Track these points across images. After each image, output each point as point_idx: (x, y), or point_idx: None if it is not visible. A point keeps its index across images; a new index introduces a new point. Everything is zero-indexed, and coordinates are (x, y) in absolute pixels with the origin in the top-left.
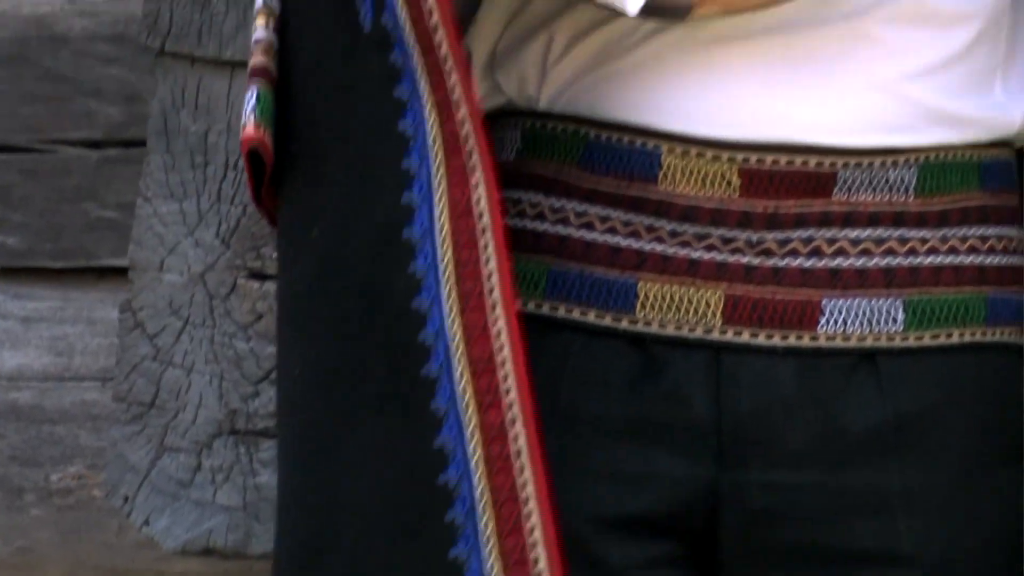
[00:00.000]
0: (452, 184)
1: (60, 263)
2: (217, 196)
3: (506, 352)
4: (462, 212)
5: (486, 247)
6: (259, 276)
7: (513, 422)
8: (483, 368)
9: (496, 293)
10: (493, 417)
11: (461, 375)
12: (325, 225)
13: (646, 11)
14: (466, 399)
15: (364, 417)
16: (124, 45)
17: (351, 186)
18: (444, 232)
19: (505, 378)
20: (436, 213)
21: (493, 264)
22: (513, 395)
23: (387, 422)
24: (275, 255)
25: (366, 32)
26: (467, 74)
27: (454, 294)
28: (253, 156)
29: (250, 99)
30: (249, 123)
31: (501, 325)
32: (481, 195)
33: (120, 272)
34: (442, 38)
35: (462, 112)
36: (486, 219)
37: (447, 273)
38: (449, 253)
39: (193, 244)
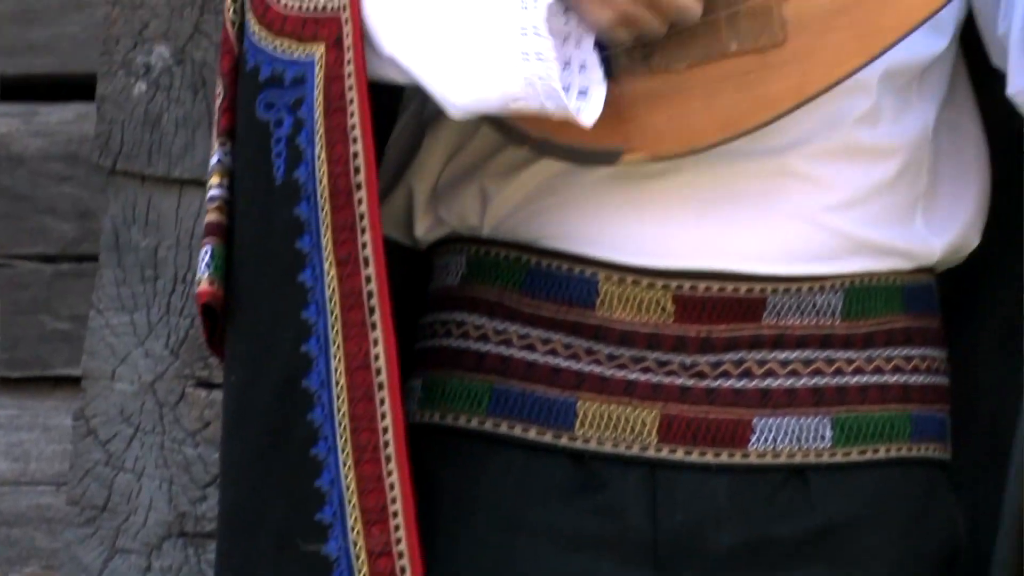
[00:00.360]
0: (349, 338)
1: (16, 373)
2: (166, 308)
3: (399, 504)
4: (359, 366)
5: (383, 402)
6: (207, 385)
7: (403, 571)
8: (376, 518)
9: (392, 447)
10: (383, 566)
11: (354, 524)
12: (240, 371)
13: (578, 158)
14: (358, 547)
15: (264, 558)
16: (77, 164)
17: (261, 334)
18: (341, 385)
19: (397, 528)
20: (332, 365)
21: (389, 419)
22: (404, 545)
23: (284, 565)
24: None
25: (277, 184)
26: (379, 233)
27: (349, 446)
28: (207, 308)
29: (204, 256)
30: (204, 280)
31: (395, 478)
32: (380, 351)
33: (74, 381)
34: (363, 196)
35: (369, 269)
36: (384, 375)
37: (343, 425)
38: (345, 406)
39: (143, 354)
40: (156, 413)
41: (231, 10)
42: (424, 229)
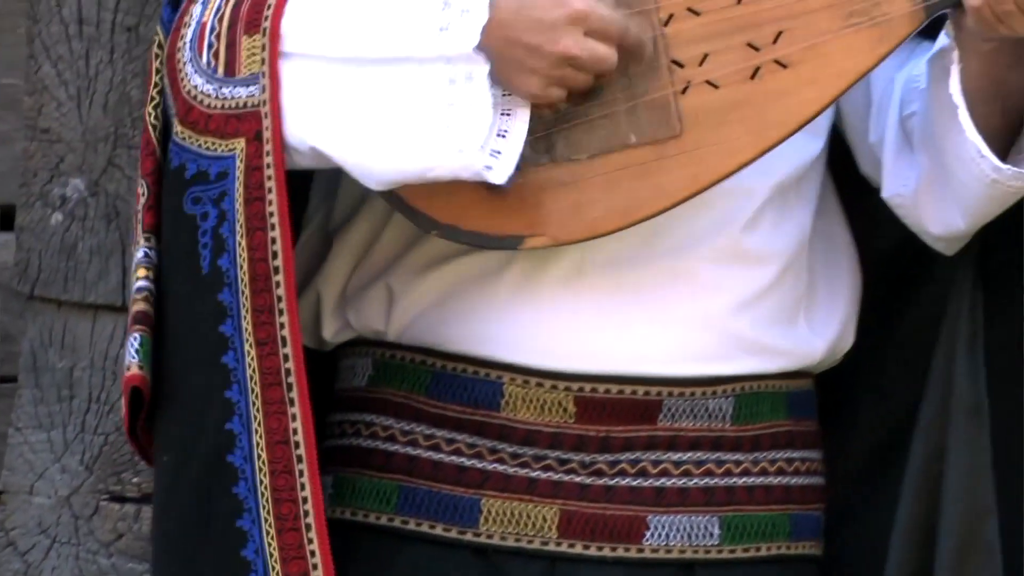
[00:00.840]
0: (269, 415)
1: None
2: (82, 426)
3: (320, 571)
4: (279, 441)
5: (302, 474)
6: (120, 499)
7: None
8: None
9: (311, 517)
10: None
11: None
12: (170, 452)
13: (484, 243)
14: None
15: None
16: None
17: (189, 416)
18: (262, 459)
19: None
20: (254, 441)
21: (308, 490)
22: None
23: None
24: (134, 479)
25: (204, 274)
26: (296, 317)
27: (272, 517)
28: (134, 394)
29: (132, 344)
30: (132, 366)
31: (316, 546)
32: (298, 426)
33: None
34: (280, 280)
35: (287, 349)
36: (302, 448)
37: (265, 497)
38: (267, 479)
39: (60, 470)
40: (72, 525)
41: (152, 115)
42: (332, 332)
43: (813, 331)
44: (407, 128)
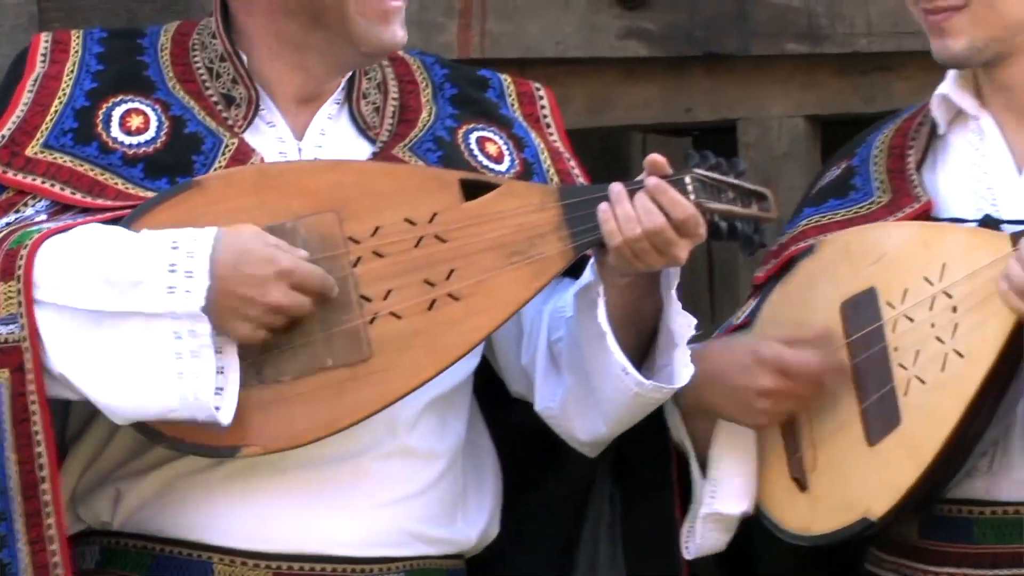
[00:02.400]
0: None
1: None
2: None
3: None
4: None
5: None
6: None
7: None
8: None
9: None
10: None
11: None
12: None
13: (205, 453)
14: None
15: None
16: None
17: None
18: None
19: None
20: None
21: None
22: None
23: None
24: None
25: None
26: (62, 518)
27: None
28: None
29: None
30: None
31: None
32: None
33: None
34: (47, 488)
35: (54, 546)
36: None
37: None
38: None
39: None
40: None
41: None
42: (67, 524)
43: (468, 524)
44: (142, 375)
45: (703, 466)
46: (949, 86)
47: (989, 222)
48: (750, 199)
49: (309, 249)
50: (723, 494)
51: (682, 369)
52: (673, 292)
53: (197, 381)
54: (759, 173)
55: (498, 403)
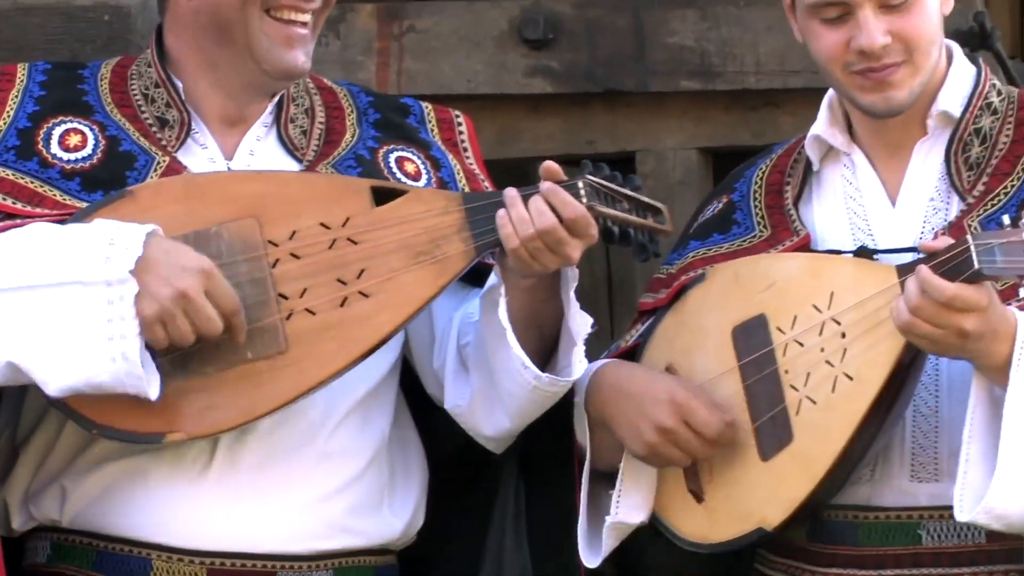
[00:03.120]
0: None
1: None
2: None
3: None
4: None
5: None
6: None
7: None
8: None
9: None
10: None
11: None
12: None
13: (133, 439)
14: None
15: None
16: None
17: None
18: None
19: None
20: None
21: None
22: None
23: None
24: None
25: None
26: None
27: None
28: None
29: None
30: None
31: None
32: None
33: None
34: None
35: None
36: None
37: None
38: None
39: None
40: None
41: None
42: (19, 524)
43: (395, 515)
44: (76, 341)
45: (603, 474)
46: (821, 127)
47: (863, 252)
48: (646, 212)
49: (232, 251)
50: (626, 505)
51: (577, 364)
52: (572, 294)
53: (125, 342)
54: (656, 200)
55: (433, 410)
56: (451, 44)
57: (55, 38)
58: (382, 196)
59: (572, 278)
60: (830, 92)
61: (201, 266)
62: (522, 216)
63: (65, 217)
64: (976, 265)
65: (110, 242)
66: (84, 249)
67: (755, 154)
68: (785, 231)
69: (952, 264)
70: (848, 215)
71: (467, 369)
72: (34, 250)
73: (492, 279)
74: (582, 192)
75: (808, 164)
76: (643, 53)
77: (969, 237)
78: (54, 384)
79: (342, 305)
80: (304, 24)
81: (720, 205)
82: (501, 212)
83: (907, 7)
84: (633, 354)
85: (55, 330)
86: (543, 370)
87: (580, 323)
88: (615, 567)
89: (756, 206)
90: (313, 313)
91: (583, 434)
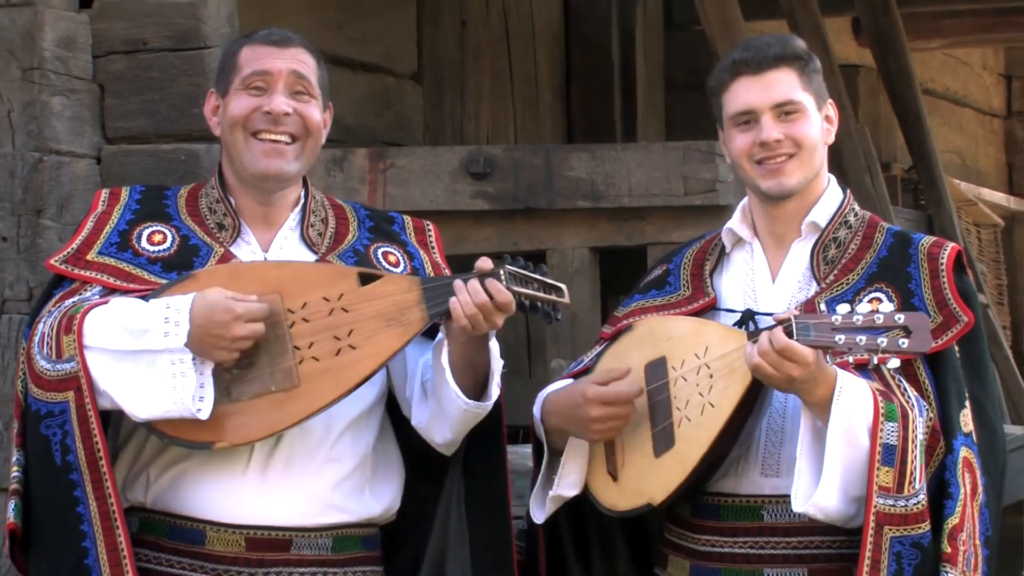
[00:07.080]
0: (110, 548)
1: None
2: None
3: None
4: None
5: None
6: None
7: None
8: None
9: None
10: None
11: None
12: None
13: (191, 446)
14: None
15: None
16: None
17: (54, 555)
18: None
19: None
20: (105, 573)
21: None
22: None
23: None
24: None
25: (58, 465)
26: (115, 486)
27: None
28: (11, 534)
29: (11, 506)
30: (10, 518)
31: None
32: (124, 549)
33: None
34: (104, 466)
35: (112, 504)
36: (128, 563)
37: None
38: None
39: None
40: None
41: (20, 385)
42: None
43: (376, 498)
44: (152, 389)
45: (553, 459)
46: (735, 223)
47: (748, 314)
48: (550, 290)
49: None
50: (565, 483)
51: (494, 391)
52: (492, 345)
53: (183, 391)
54: (558, 282)
55: (408, 426)
56: (419, 176)
57: (148, 171)
58: (366, 279)
59: (492, 336)
60: (744, 200)
61: (235, 315)
62: (466, 300)
63: (148, 292)
64: (795, 336)
65: (165, 320)
66: (150, 324)
67: (628, 251)
68: (700, 293)
69: (787, 330)
70: (743, 286)
71: (426, 397)
72: (118, 323)
73: (439, 335)
74: (503, 277)
75: (723, 248)
76: (552, 182)
77: (793, 317)
78: (140, 415)
79: (337, 354)
80: (277, 141)
81: (660, 271)
82: (453, 300)
83: (796, 118)
84: (591, 369)
85: (141, 380)
86: (479, 399)
87: (497, 366)
88: (565, 515)
89: (684, 274)
90: (317, 360)
91: (541, 434)
